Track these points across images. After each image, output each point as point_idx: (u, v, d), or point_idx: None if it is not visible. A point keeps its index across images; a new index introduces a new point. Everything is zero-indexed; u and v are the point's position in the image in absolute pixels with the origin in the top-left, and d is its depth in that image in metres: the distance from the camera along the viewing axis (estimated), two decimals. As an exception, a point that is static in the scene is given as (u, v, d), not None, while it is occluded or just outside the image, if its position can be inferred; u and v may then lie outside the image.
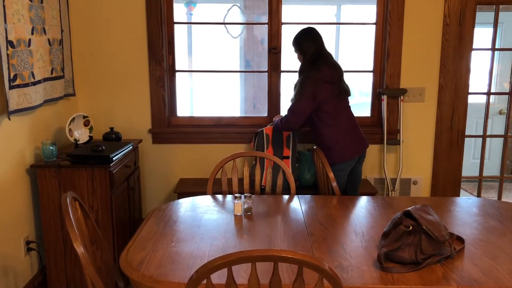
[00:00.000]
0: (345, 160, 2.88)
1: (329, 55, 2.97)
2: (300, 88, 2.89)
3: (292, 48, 3.05)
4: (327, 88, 2.85)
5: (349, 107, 3.03)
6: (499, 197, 3.88)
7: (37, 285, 2.76)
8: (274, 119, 3.34)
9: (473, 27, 3.42)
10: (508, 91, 3.71)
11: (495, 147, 5.19)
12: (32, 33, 2.62)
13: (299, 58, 3.02)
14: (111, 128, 3.27)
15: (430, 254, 1.62)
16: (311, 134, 3.04)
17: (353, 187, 3.08)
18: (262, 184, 2.90)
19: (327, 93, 2.85)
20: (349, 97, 3.04)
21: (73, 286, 2.77)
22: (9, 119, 2.43)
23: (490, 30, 3.58)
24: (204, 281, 1.31)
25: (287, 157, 3.24)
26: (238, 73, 4.01)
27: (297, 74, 3.02)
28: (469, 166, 4.46)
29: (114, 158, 2.73)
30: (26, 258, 2.69)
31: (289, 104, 2.98)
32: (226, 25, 3.74)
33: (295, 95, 2.92)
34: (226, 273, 1.32)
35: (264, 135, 3.29)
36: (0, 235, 2.43)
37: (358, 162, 3.02)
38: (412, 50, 3.45)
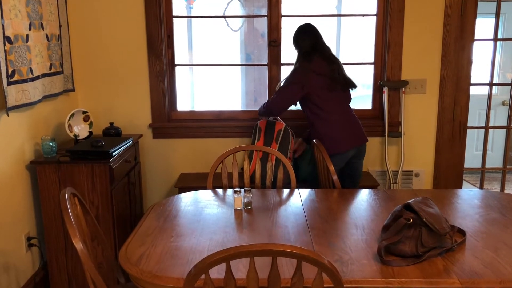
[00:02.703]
0: (333, 153, 2.84)
1: (327, 48, 2.99)
2: (289, 76, 2.97)
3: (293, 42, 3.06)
4: (317, 79, 2.87)
5: (348, 100, 3.02)
6: (502, 188, 3.86)
7: (39, 281, 2.76)
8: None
9: (475, 18, 3.39)
10: (510, 82, 3.68)
11: (498, 138, 5.16)
12: (30, 29, 2.60)
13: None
14: (111, 123, 3.26)
15: (430, 247, 1.61)
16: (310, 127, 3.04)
17: (351, 182, 3.06)
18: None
19: (316, 84, 2.87)
20: (353, 90, 3.03)
21: (75, 282, 2.78)
22: (8, 115, 2.42)
23: (492, 21, 3.55)
24: (203, 276, 1.31)
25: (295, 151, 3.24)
26: (239, 67, 3.99)
27: None
28: (472, 158, 4.44)
29: (114, 154, 2.73)
30: (27, 254, 2.69)
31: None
32: (226, 18, 3.71)
33: (284, 82, 2.99)
34: (225, 268, 1.31)
35: (257, 128, 3.28)
36: (0, 232, 2.44)
37: (356, 157, 3.00)
38: (413, 41, 3.42)
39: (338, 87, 2.91)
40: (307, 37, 2.98)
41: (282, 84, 3.05)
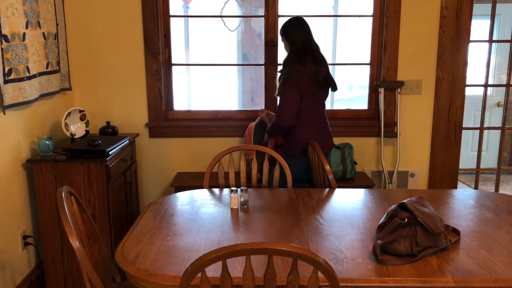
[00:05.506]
0: (300, 156, 2.85)
1: (317, 47, 2.90)
2: (285, 80, 2.80)
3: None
4: (309, 83, 2.79)
5: (325, 99, 2.99)
6: (497, 189, 3.88)
7: (35, 280, 2.76)
8: (259, 113, 3.32)
9: (471, 19, 3.41)
10: (505, 83, 3.71)
11: (492, 139, 5.19)
12: (27, 27, 2.60)
13: (286, 47, 2.95)
14: (108, 122, 3.27)
15: (425, 246, 1.62)
16: None
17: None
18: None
19: (309, 88, 2.80)
20: (333, 91, 3.01)
21: (71, 280, 2.78)
22: (4, 113, 2.42)
23: (487, 22, 3.57)
24: (199, 274, 1.32)
25: (282, 145, 3.24)
26: (236, 67, 4.00)
27: None
28: (467, 159, 4.46)
29: (110, 152, 2.73)
30: (23, 253, 2.69)
31: (276, 98, 2.93)
32: (223, 18, 3.72)
33: (280, 88, 2.84)
34: (221, 266, 1.32)
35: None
36: (-4, 230, 2.44)
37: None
38: (409, 42, 3.43)
39: (322, 89, 2.87)
40: (300, 32, 2.85)
41: (278, 91, 2.90)
